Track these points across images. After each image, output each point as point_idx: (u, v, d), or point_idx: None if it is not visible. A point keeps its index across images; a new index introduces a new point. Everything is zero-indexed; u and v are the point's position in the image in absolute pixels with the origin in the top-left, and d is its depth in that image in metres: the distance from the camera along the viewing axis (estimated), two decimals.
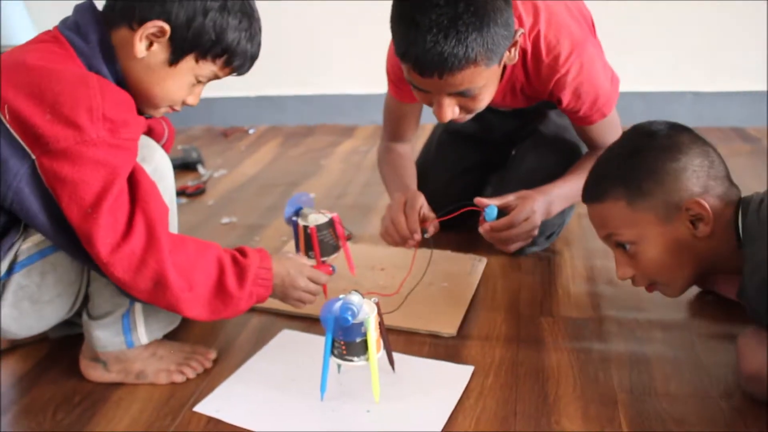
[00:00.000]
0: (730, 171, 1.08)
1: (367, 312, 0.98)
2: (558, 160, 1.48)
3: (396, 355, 1.11)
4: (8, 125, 0.91)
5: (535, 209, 1.31)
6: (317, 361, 1.02)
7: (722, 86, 2.59)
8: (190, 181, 2.15)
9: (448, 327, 1.23)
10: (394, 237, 1.29)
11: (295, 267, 1.12)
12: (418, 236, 1.26)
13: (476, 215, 1.28)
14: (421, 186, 1.43)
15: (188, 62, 1.03)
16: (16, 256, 1.01)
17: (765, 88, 2.52)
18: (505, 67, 1.25)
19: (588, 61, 1.28)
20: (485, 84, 1.14)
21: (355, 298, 0.98)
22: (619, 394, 1.04)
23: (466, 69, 1.08)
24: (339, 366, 1.02)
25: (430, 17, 1.03)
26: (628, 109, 2.55)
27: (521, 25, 1.24)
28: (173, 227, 1.11)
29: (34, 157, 0.91)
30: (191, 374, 1.13)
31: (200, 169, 2.30)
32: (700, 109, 2.62)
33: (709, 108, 2.61)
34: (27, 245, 1.01)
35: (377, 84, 2.77)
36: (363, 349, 0.99)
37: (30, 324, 1.06)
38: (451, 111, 1.17)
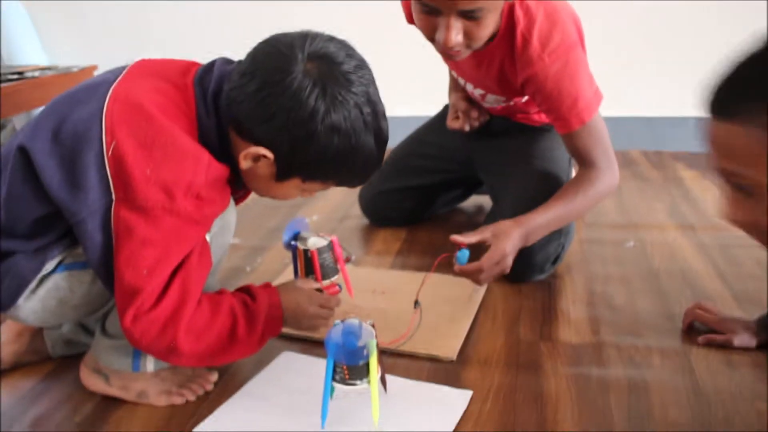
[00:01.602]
0: None
1: (368, 335, 0.99)
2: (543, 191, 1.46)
3: (395, 379, 1.11)
4: (106, 159, 0.92)
5: (507, 252, 1.30)
6: (317, 384, 1.02)
7: None
8: None
9: (448, 351, 1.23)
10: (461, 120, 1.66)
11: (303, 297, 1.13)
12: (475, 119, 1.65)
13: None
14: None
15: (294, 181, 1.02)
16: (63, 258, 1.03)
17: None
18: (502, 19, 1.29)
19: (573, 62, 1.29)
20: (492, 10, 1.18)
21: (354, 321, 0.99)
22: (618, 420, 1.04)
23: None
24: (332, 390, 1.02)
25: None
26: (632, 134, 2.60)
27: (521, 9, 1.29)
28: (216, 272, 1.14)
29: (114, 198, 0.92)
30: (191, 397, 1.13)
31: None
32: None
33: None
34: (78, 250, 1.02)
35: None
36: (365, 372, 0.99)
37: (46, 319, 1.08)
38: (456, 34, 1.19)
